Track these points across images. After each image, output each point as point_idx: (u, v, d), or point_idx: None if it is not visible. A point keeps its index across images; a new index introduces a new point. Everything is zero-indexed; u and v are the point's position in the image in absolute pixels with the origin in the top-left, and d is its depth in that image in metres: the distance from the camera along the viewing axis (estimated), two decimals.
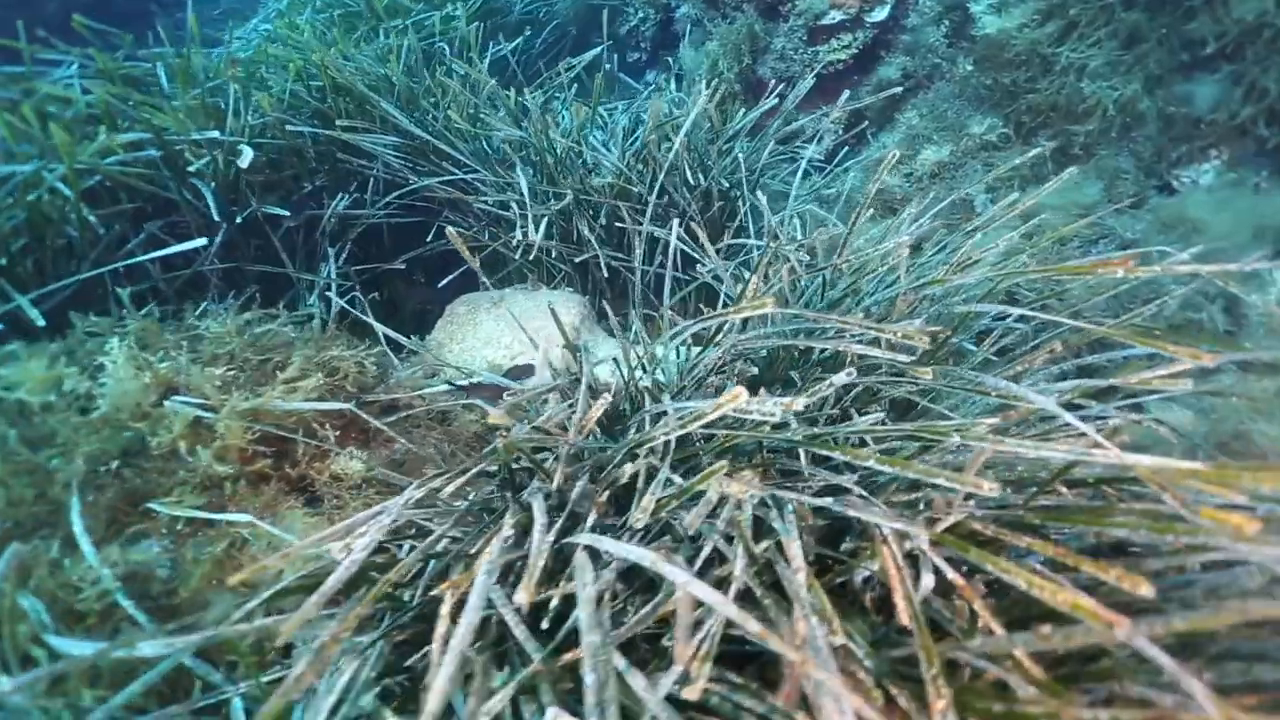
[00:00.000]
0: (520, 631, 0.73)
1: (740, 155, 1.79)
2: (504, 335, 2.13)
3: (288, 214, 1.67)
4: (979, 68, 2.37)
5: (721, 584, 0.78)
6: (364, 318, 1.68)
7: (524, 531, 0.98)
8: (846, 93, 1.95)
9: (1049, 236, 1.59)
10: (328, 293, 1.79)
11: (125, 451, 1.35)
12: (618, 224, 2.08)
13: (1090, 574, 0.77)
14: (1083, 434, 1.23)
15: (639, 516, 0.77)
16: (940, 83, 2.55)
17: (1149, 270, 1.03)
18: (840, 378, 0.86)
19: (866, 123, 2.65)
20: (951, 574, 0.68)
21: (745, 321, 1.65)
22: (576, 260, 2.10)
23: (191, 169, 1.54)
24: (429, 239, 2.20)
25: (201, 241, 1.54)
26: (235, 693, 0.96)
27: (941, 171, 2.28)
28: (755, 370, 1.39)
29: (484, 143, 2.17)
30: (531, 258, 2.26)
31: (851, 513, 0.69)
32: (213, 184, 1.62)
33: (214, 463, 1.19)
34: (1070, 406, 1.26)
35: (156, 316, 1.47)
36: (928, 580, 0.70)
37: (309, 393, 1.37)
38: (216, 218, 1.59)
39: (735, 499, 0.78)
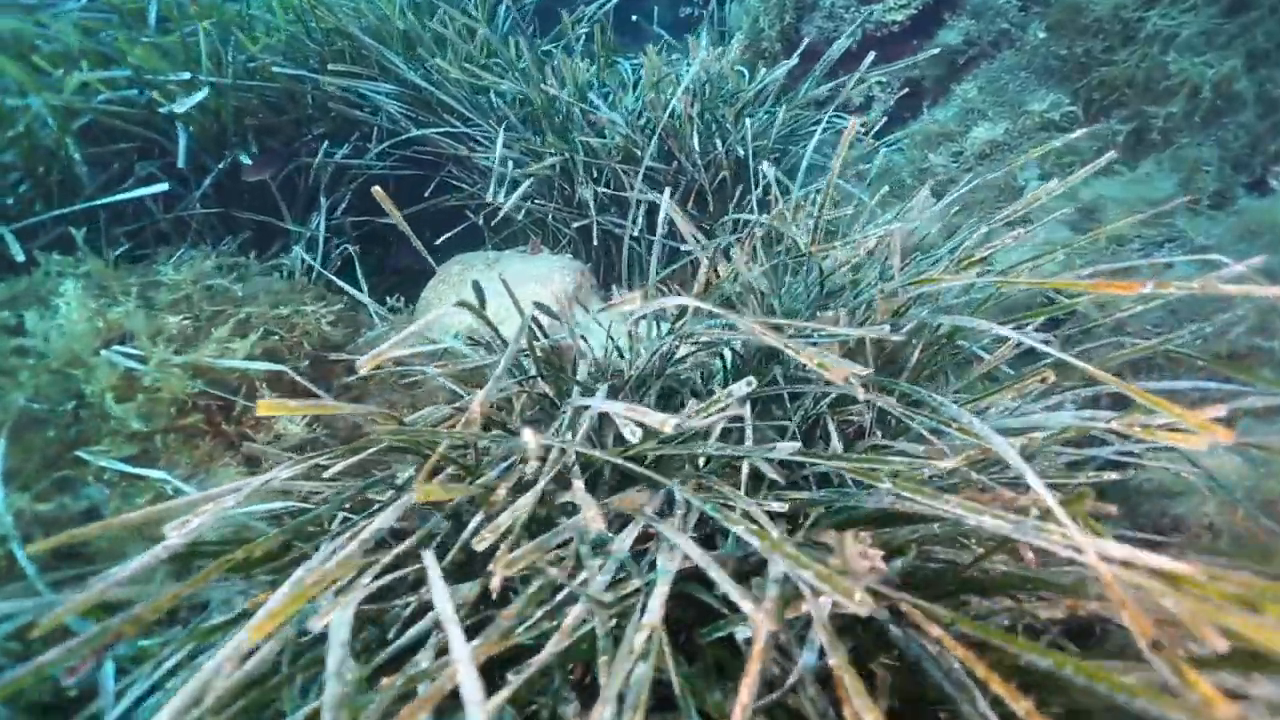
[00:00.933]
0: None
1: (748, 121, 1.61)
2: (491, 300, 2.04)
3: (249, 163, 1.61)
4: (1052, 34, 2.08)
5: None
6: (333, 276, 1.61)
7: (395, 535, 0.89)
8: (871, 55, 1.71)
9: (1094, 234, 1.36)
10: (297, 245, 1.73)
11: (76, 396, 1.33)
12: (620, 191, 1.94)
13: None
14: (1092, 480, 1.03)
15: (486, 537, 0.66)
16: (1007, 51, 2.25)
17: (1185, 287, 0.83)
18: (739, 388, 0.72)
19: (907, 91, 2.38)
20: (834, 658, 0.55)
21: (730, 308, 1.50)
22: (574, 225, 1.98)
23: (163, 110, 1.49)
24: (427, 194, 2.11)
25: (163, 186, 1.49)
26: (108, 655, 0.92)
27: (993, 152, 2.02)
28: (719, 364, 1.25)
29: (490, 96, 2.05)
30: (528, 220, 2.14)
31: (714, 573, 0.56)
32: (190, 128, 1.56)
33: (131, 418, 1.15)
34: (1082, 443, 1.07)
35: (114, 259, 1.44)
36: (807, 659, 0.57)
37: (251, 349, 1.31)
38: (181, 163, 1.54)
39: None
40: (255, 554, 0.82)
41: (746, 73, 2.13)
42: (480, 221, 2.29)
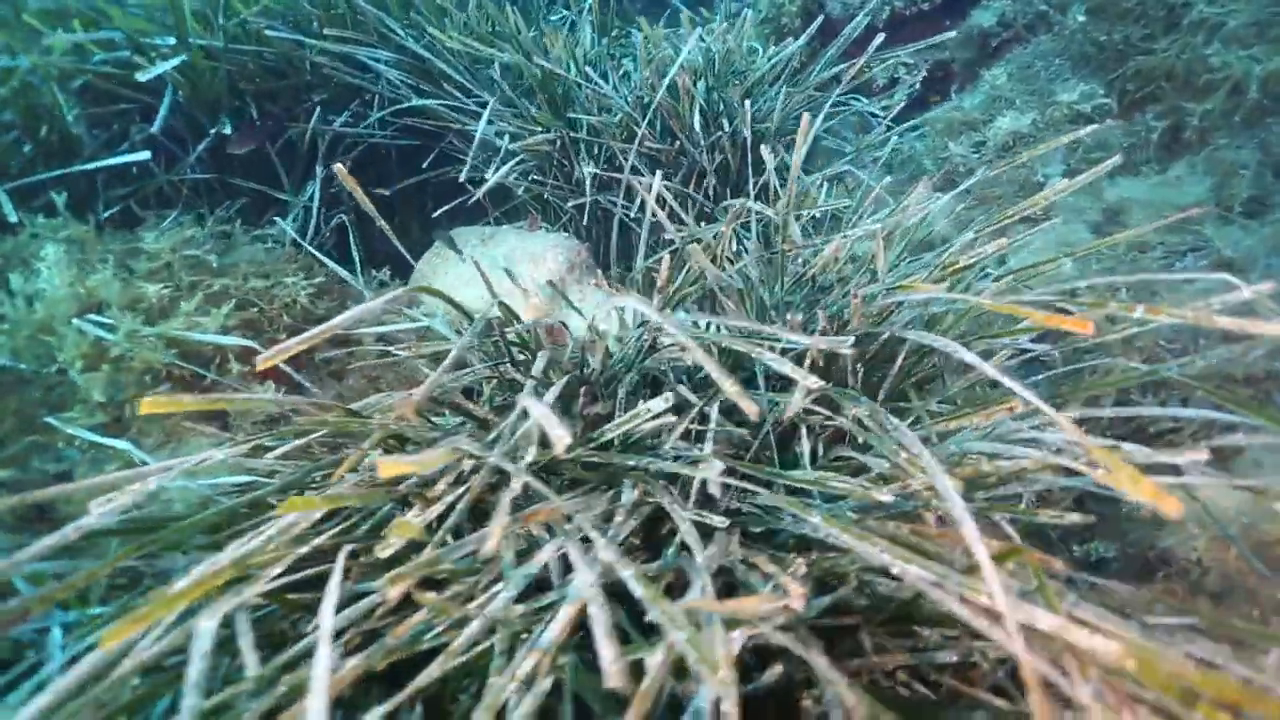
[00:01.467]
0: (247, 649, 0.63)
1: (748, 104, 1.53)
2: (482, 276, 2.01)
3: (230, 132, 1.59)
4: (1092, 18, 1.94)
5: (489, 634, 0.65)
6: (317, 252, 1.59)
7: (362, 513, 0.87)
8: (880, 37, 1.61)
9: (1111, 239, 1.27)
10: (287, 216, 1.71)
11: (55, 361, 1.35)
12: (620, 171, 1.88)
13: None
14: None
15: (394, 541, 0.64)
16: (1044, 35, 2.12)
17: (1177, 315, 0.76)
18: (657, 404, 0.68)
19: (935, 74, 2.26)
20: (726, 704, 0.51)
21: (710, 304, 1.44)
22: (569, 204, 1.93)
23: (141, 76, 1.47)
24: (426, 165, 2.08)
25: (145, 154, 1.48)
26: (56, 621, 0.94)
27: (1016, 144, 1.91)
28: (687, 362, 1.20)
29: (495, 68, 2.00)
30: (528, 196, 2.10)
31: (596, 625, 0.52)
32: (180, 92, 1.54)
33: (94, 388, 1.15)
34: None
35: (100, 223, 1.44)
36: (699, 702, 0.54)
37: (223, 321, 1.30)
38: (155, 129, 1.53)
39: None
40: (183, 534, 0.81)
41: (760, 49, 2.04)
42: (481, 195, 2.25)
